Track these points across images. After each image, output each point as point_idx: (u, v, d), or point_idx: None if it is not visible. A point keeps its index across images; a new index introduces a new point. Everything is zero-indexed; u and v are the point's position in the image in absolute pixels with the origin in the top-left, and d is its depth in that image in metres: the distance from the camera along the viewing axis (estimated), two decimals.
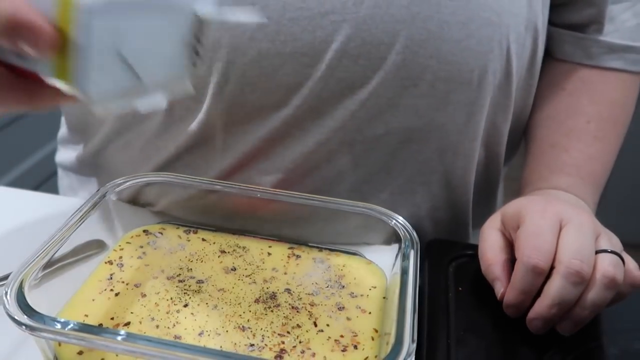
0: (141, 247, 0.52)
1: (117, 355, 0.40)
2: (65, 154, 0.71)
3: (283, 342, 0.43)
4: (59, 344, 0.40)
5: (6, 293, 0.38)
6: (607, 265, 0.44)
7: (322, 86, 0.50)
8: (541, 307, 0.44)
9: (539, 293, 0.45)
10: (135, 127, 0.57)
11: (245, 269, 0.51)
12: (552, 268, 0.45)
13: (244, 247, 0.54)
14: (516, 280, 0.45)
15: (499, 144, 0.61)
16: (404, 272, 0.44)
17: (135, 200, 0.59)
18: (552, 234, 0.46)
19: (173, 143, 0.56)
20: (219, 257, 0.52)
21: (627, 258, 0.47)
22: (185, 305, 0.46)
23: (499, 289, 0.48)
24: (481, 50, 0.52)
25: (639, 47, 0.60)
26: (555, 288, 0.44)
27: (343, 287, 0.50)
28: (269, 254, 0.53)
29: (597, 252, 0.45)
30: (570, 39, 0.61)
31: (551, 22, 0.62)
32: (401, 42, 0.49)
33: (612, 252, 0.45)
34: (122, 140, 0.60)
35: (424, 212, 0.60)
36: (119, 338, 0.36)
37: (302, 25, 0.48)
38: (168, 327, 0.44)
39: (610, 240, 0.47)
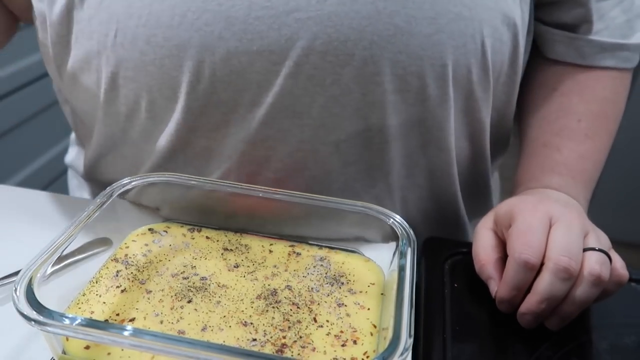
0: (146, 245, 0.53)
1: (122, 350, 0.41)
2: (74, 156, 0.72)
3: (284, 337, 0.44)
4: (67, 339, 0.41)
5: (16, 289, 0.39)
6: (593, 263, 0.45)
7: (292, 83, 0.50)
8: (531, 302, 0.45)
9: (529, 289, 0.46)
10: (121, 137, 0.58)
11: (248, 267, 0.51)
12: (542, 265, 0.45)
13: (246, 245, 0.54)
14: (508, 277, 0.46)
15: (482, 138, 0.61)
16: (402, 269, 0.45)
17: (140, 205, 0.60)
18: (542, 231, 0.46)
19: (157, 147, 0.56)
20: (222, 254, 0.53)
21: (615, 256, 0.47)
22: (189, 302, 0.46)
23: (493, 287, 0.49)
24: (453, 45, 0.51)
25: (630, 45, 0.61)
26: (544, 284, 0.44)
27: (342, 284, 0.50)
28: (271, 251, 0.54)
29: (584, 250, 0.46)
30: (562, 39, 0.61)
31: (542, 21, 0.62)
32: (367, 38, 0.49)
33: (599, 250, 0.46)
34: (113, 152, 0.60)
35: (411, 204, 0.60)
36: (125, 333, 0.36)
37: (268, 24, 0.48)
38: (172, 323, 0.44)
39: (598, 238, 0.48)
